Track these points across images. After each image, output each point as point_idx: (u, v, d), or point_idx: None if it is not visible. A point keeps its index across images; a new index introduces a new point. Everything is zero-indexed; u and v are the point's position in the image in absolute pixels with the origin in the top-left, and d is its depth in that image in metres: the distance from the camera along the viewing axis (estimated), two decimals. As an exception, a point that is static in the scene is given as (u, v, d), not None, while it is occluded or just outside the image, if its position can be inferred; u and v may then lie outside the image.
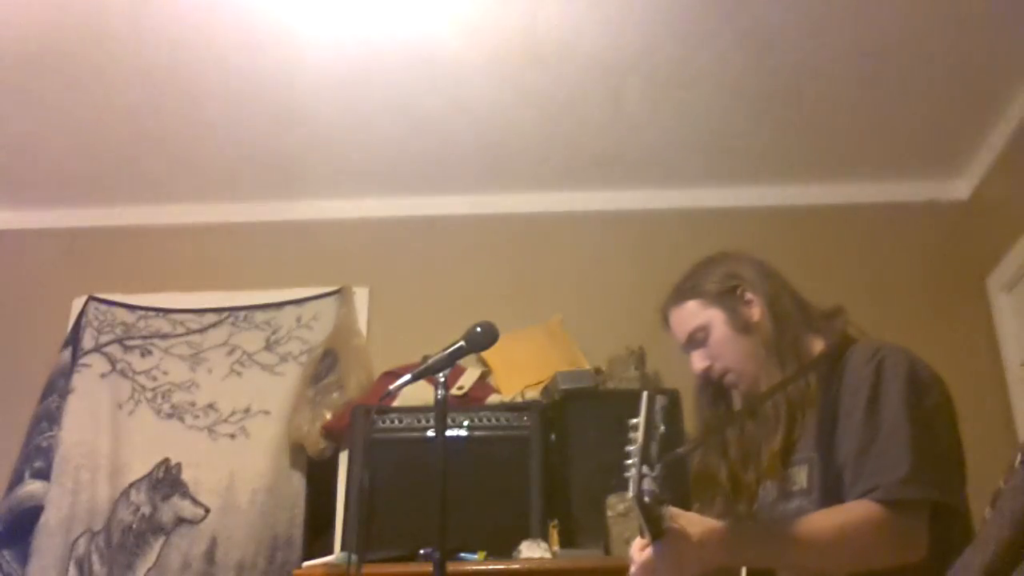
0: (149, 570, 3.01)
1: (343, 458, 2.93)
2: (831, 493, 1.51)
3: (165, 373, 3.33)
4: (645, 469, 1.32)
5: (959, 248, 3.42)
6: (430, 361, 1.89)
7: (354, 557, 2.37)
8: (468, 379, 3.05)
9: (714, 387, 1.77)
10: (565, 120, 3.17)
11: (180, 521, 3.08)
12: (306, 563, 2.56)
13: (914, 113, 3.17)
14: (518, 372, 3.06)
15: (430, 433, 2.63)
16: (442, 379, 1.85)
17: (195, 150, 3.30)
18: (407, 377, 1.89)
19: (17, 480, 3.15)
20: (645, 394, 1.38)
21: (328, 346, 3.28)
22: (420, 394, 2.56)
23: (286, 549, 3.03)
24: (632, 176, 3.47)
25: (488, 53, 2.86)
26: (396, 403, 2.71)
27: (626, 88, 3.02)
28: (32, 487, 3.14)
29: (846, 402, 1.55)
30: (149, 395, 3.29)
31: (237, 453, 3.18)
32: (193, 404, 3.27)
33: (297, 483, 3.13)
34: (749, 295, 1.75)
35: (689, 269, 1.83)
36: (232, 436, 3.21)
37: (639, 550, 1.46)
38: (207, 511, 3.09)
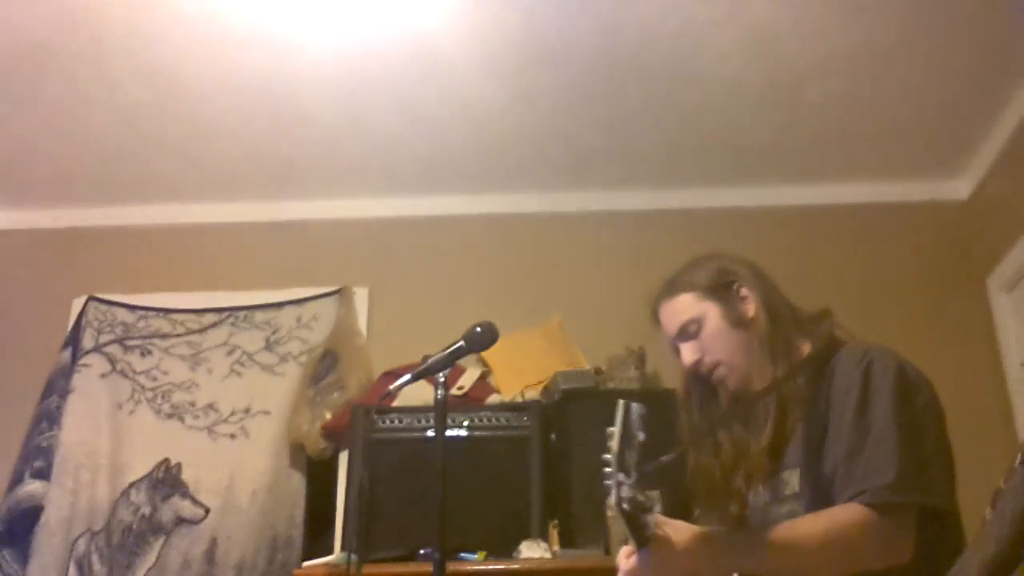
0: (149, 570, 3.01)
1: (343, 458, 2.93)
2: (821, 497, 1.51)
3: (165, 373, 3.33)
4: (621, 477, 1.31)
5: (959, 248, 3.42)
6: (430, 361, 1.89)
7: (354, 557, 2.38)
8: (468, 379, 3.05)
9: (701, 385, 1.76)
10: (565, 120, 3.17)
11: (180, 521, 3.08)
12: (306, 563, 2.56)
13: (914, 113, 3.17)
14: (518, 372, 3.06)
15: (430, 433, 2.63)
16: (442, 379, 1.86)
17: (195, 150, 3.30)
18: (407, 377, 1.89)
19: (17, 480, 3.15)
20: (620, 402, 1.38)
21: (328, 346, 3.28)
22: (420, 394, 2.56)
23: (286, 549, 3.03)
24: (632, 176, 3.47)
25: (488, 53, 2.86)
26: (396, 403, 2.71)
27: (626, 88, 3.02)
28: (32, 487, 3.14)
29: (836, 405, 1.55)
30: (149, 395, 3.29)
31: (237, 453, 3.18)
32: (193, 404, 3.27)
33: (297, 483, 3.13)
34: (744, 291, 1.75)
35: (681, 266, 1.82)
36: (232, 436, 3.22)
37: (625, 557, 1.46)
38: (207, 511, 3.09)
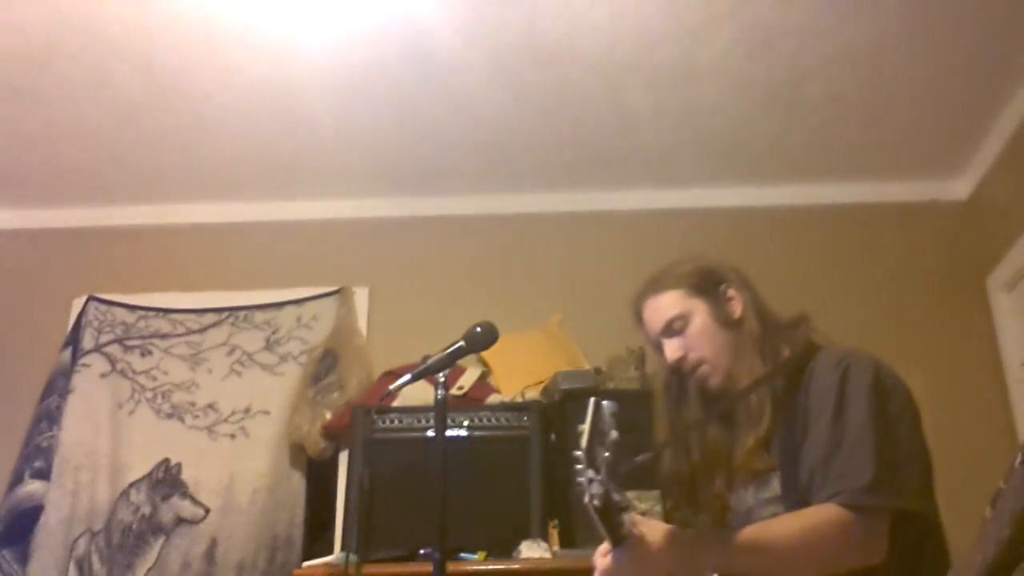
0: (149, 570, 3.01)
1: (343, 458, 2.93)
2: (799, 499, 1.52)
3: (165, 373, 3.33)
4: (591, 474, 1.31)
5: (959, 248, 3.42)
6: (430, 361, 1.89)
7: (354, 557, 2.38)
8: (468, 379, 3.05)
9: (680, 384, 1.77)
10: (565, 120, 3.17)
11: (180, 521, 3.08)
12: (306, 563, 2.56)
13: (914, 113, 3.17)
14: (518, 372, 3.06)
15: (430, 433, 2.63)
16: (442, 379, 1.86)
17: (195, 150, 3.30)
18: (407, 377, 1.89)
19: (17, 480, 3.15)
20: (592, 400, 1.37)
21: (328, 346, 3.28)
22: (420, 394, 2.56)
23: (286, 549, 3.03)
24: (632, 176, 3.47)
25: (488, 53, 2.86)
26: (396, 403, 2.71)
27: (626, 88, 3.02)
28: (32, 487, 3.14)
29: (813, 408, 1.56)
30: (149, 395, 3.29)
31: (237, 453, 3.18)
32: (193, 404, 3.27)
33: (297, 483, 3.13)
34: (731, 292, 1.77)
35: (666, 265, 1.83)
36: (232, 436, 3.22)
37: (601, 556, 1.47)
38: (207, 511, 3.09)
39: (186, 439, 3.21)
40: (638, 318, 1.82)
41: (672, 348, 1.74)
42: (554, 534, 2.59)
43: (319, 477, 3.08)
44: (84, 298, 3.47)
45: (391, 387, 1.93)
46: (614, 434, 1.35)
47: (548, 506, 2.64)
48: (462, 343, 1.88)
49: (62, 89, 2.98)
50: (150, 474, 3.15)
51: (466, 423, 2.73)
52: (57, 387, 3.30)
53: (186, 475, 3.15)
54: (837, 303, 3.36)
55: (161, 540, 3.06)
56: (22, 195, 3.52)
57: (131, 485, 3.14)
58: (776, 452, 1.61)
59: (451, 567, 1.87)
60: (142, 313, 3.44)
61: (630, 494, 2.49)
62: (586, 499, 1.31)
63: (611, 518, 1.35)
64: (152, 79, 2.95)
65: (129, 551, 3.03)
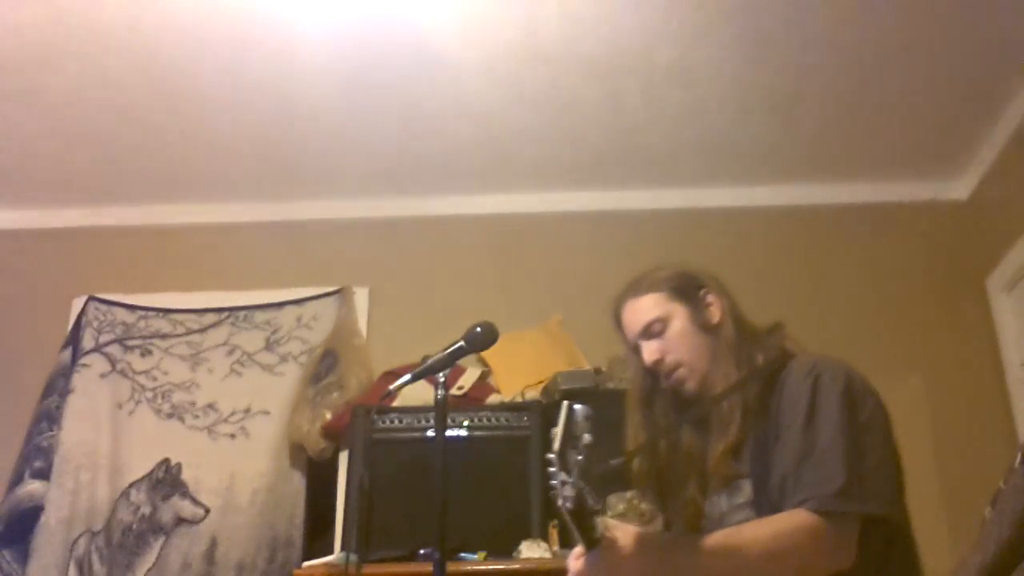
0: (149, 570, 3.01)
1: (343, 458, 2.93)
2: (771, 505, 1.54)
3: (165, 373, 3.33)
4: (564, 476, 1.31)
5: (959, 248, 3.42)
6: (430, 361, 1.89)
7: (354, 557, 2.38)
8: (468, 379, 3.05)
9: (655, 387, 1.78)
10: (565, 120, 3.17)
11: (180, 521, 3.08)
12: (306, 563, 2.56)
13: (914, 113, 3.17)
14: (518, 372, 3.06)
15: (430, 433, 2.63)
16: (442, 379, 1.86)
17: (195, 150, 3.30)
18: (407, 377, 1.89)
19: (17, 480, 3.15)
20: (564, 404, 1.38)
21: (328, 346, 3.28)
22: (420, 394, 2.56)
23: (286, 549, 3.03)
24: (632, 176, 3.47)
25: (488, 53, 2.86)
26: (396, 403, 2.71)
27: (626, 88, 3.02)
28: (32, 487, 3.14)
29: (785, 416, 1.58)
30: (149, 395, 3.29)
31: (237, 453, 3.18)
32: (193, 404, 3.27)
33: (297, 483, 3.13)
34: (711, 298, 1.78)
35: (647, 270, 1.85)
36: (232, 436, 3.22)
37: (575, 559, 1.48)
38: (207, 511, 3.09)
39: (186, 439, 3.21)
40: (617, 320, 1.84)
41: (650, 350, 1.75)
42: (554, 534, 2.59)
43: (319, 477, 3.07)
44: (84, 298, 3.47)
45: (391, 387, 1.93)
46: (587, 437, 1.35)
47: (548, 506, 2.63)
48: (462, 343, 1.88)
49: (62, 89, 2.98)
50: (150, 474, 3.15)
51: (466, 423, 2.73)
52: (57, 387, 3.30)
53: (186, 475, 3.15)
54: (837, 303, 3.37)
55: (161, 540, 3.06)
56: (22, 195, 3.52)
57: (131, 485, 3.14)
58: (748, 458, 1.62)
59: (451, 567, 1.87)
60: (142, 313, 3.44)
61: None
62: (559, 502, 1.31)
63: (584, 521, 1.36)
64: (152, 79, 2.95)
65: (129, 551, 3.03)
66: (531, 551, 2.48)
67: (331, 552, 2.64)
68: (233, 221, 3.57)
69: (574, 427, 1.35)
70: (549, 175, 3.47)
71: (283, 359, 3.34)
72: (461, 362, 2.32)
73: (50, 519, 3.07)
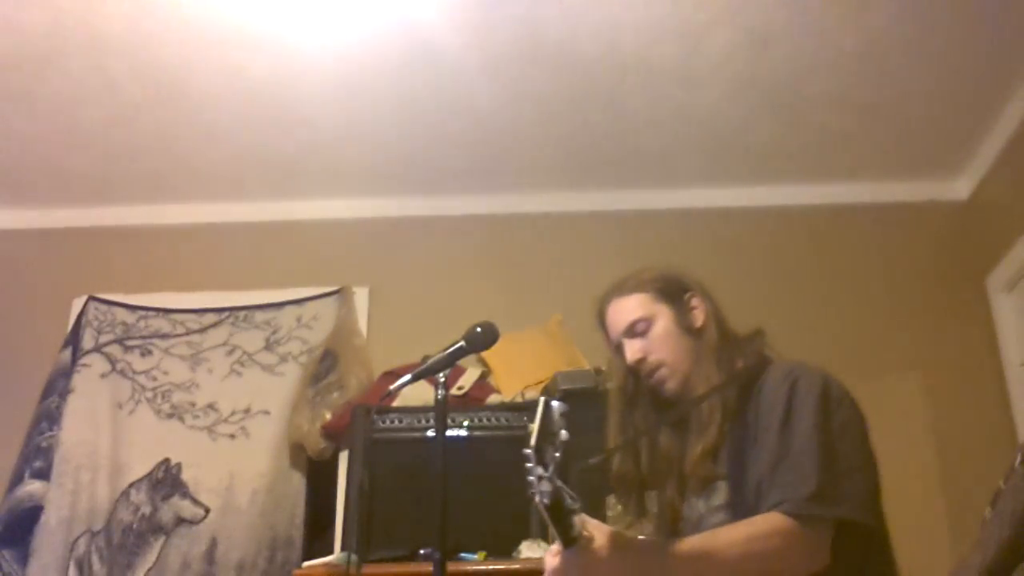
0: (149, 570, 3.01)
1: (343, 458, 2.93)
2: (747, 508, 1.54)
3: (165, 373, 3.33)
4: (540, 471, 1.30)
5: (959, 248, 3.42)
6: (430, 361, 1.89)
7: (354, 557, 2.38)
8: (468, 379, 3.05)
9: (636, 387, 1.79)
10: (565, 120, 3.17)
11: (180, 521, 3.08)
12: (306, 563, 2.56)
13: (914, 113, 3.17)
14: (518, 372, 3.06)
15: (430, 433, 2.63)
16: (442, 379, 1.86)
17: (195, 150, 3.30)
18: (407, 377, 1.89)
19: (17, 480, 3.15)
20: (542, 400, 1.38)
21: (328, 346, 3.28)
22: (420, 394, 2.56)
23: (286, 549, 3.03)
24: (631, 176, 3.47)
25: (488, 53, 2.86)
26: (396, 403, 2.71)
27: (626, 88, 3.02)
28: (32, 487, 3.14)
29: (762, 420, 1.59)
30: (149, 395, 3.29)
31: (237, 453, 3.18)
32: (193, 404, 3.27)
33: (297, 483, 3.13)
34: (695, 301, 1.80)
35: (632, 271, 1.86)
36: (232, 436, 3.22)
37: (552, 556, 1.48)
38: (207, 511, 3.09)
39: (186, 439, 3.21)
40: (600, 320, 1.86)
41: (633, 349, 1.76)
42: (554, 534, 2.59)
43: (319, 477, 3.08)
44: (84, 298, 3.47)
45: (391, 387, 1.93)
46: (564, 434, 1.35)
47: (548, 506, 2.64)
48: (462, 343, 1.88)
49: (62, 89, 2.98)
50: (150, 474, 3.15)
51: (466, 423, 2.73)
52: (57, 387, 3.30)
53: (186, 475, 3.15)
54: (837, 303, 3.37)
55: (161, 540, 3.06)
56: (22, 195, 3.53)
57: (131, 485, 3.14)
58: (725, 461, 1.63)
59: (451, 567, 1.87)
60: (142, 313, 3.44)
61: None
62: (536, 498, 1.31)
63: (561, 519, 1.36)
64: (152, 79, 2.95)
65: (129, 551, 3.03)
66: (531, 551, 2.48)
67: (331, 552, 2.64)
68: (233, 221, 3.57)
69: (551, 423, 1.35)
70: (549, 175, 3.47)
71: (283, 359, 3.34)
72: (461, 362, 2.31)
73: (50, 519, 3.07)
